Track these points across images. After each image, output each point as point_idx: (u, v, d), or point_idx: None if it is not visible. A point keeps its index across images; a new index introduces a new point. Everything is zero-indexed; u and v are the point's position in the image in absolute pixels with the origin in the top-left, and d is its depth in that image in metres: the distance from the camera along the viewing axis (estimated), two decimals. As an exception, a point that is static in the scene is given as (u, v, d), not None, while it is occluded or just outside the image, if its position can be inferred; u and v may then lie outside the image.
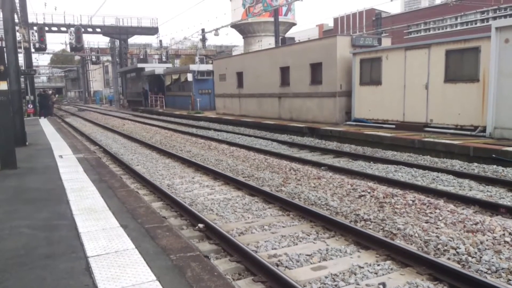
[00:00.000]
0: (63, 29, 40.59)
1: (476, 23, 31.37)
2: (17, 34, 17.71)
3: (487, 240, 4.73)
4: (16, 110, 11.08)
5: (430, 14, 34.87)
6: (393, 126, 14.04)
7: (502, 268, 4.13)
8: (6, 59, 9.43)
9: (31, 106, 25.59)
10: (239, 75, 23.51)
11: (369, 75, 15.19)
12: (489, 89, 10.98)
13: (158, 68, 38.40)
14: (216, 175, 8.96)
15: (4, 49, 10.19)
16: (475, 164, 9.42)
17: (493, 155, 9.38)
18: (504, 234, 4.86)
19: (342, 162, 10.58)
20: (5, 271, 3.38)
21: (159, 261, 3.49)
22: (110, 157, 12.04)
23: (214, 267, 3.49)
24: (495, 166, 9.02)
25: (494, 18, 28.86)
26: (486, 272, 4.13)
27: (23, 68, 23.76)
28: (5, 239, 4.14)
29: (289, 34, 51.42)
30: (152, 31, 46.29)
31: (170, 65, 46.02)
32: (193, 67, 31.73)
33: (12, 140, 8.13)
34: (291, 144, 13.74)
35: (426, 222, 5.42)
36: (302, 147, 13.20)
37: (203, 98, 31.05)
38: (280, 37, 27.14)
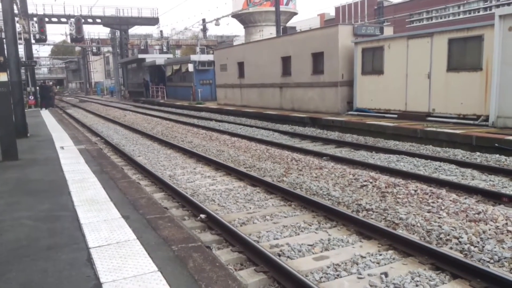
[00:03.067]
0: (63, 20, 40.34)
1: (479, 11, 31.11)
2: (17, 25, 17.63)
3: (489, 230, 4.71)
4: (17, 102, 11.05)
5: (433, 3, 34.59)
6: (395, 115, 13.98)
7: (505, 257, 4.12)
8: (6, 51, 9.40)
9: (32, 98, 25.55)
10: (240, 65, 23.40)
11: (371, 65, 15.10)
12: (492, 78, 10.89)
13: (159, 58, 38.26)
14: (218, 166, 8.95)
15: (4, 40, 10.15)
16: (478, 153, 9.38)
17: (496, 144, 9.33)
18: (506, 224, 4.84)
19: (344, 152, 10.56)
20: (7, 262, 3.38)
21: (161, 252, 3.49)
22: (112, 148, 12.04)
23: (216, 257, 3.48)
24: (497, 155, 8.98)
25: (498, 6, 28.59)
26: (488, 262, 4.11)
27: (24, 59, 23.67)
28: (7, 231, 4.14)
29: (290, 23, 51.10)
30: (153, 21, 45.98)
31: (171, 56, 45.85)
32: (194, 57, 31.60)
33: (13, 132, 8.12)
34: (293, 135, 13.70)
35: (429, 212, 5.40)
36: (303, 137, 13.17)
37: (204, 88, 30.97)
38: (281, 27, 26.93)
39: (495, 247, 4.31)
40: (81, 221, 4.31)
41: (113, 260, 3.35)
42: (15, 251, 3.62)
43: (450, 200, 5.69)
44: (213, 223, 5.34)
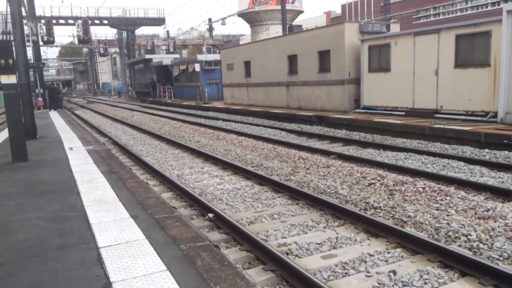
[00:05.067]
0: (71, 21, 40.61)
1: (487, 7, 30.79)
2: (25, 27, 17.78)
3: (498, 227, 4.68)
4: (26, 103, 11.16)
5: (440, -1, 34.28)
6: (403, 113, 13.91)
7: (514, 255, 4.09)
8: (14, 53, 9.49)
9: (41, 99, 25.79)
10: (247, 64, 23.41)
11: (377, 62, 15.03)
12: (501, 74, 10.80)
13: (165, 59, 38.40)
14: (225, 165, 8.97)
15: (13, 42, 10.23)
16: (486, 150, 9.31)
17: (505, 141, 9.26)
18: (516, 221, 4.80)
19: (351, 150, 10.53)
20: (18, 263, 3.43)
21: (169, 251, 3.52)
22: (120, 148, 12.11)
23: (224, 256, 3.50)
24: (506, 152, 8.91)
25: (506, 0, 28.28)
26: (497, 259, 4.09)
27: (32, 61, 23.90)
28: (17, 231, 4.19)
29: (296, 22, 50.98)
30: (159, 21, 46.14)
31: (177, 56, 45.99)
32: (200, 57, 31.67)
33: (23, 133, 8.20)
34: (300, 133, 13.69)
35: (437, 209, 5.38)
36: (311, 135, 13.15)
37: (211, 88, 31.03)
38: (288, 25, 26.88)
39: (504, 245, 4.28)
40: (91, 221, 4.35)
41: (123, 259, 3.38)
42: (26, 251, 3.66)
43: (459, 198, 5.66)
44: (221, 222, 5.36)
